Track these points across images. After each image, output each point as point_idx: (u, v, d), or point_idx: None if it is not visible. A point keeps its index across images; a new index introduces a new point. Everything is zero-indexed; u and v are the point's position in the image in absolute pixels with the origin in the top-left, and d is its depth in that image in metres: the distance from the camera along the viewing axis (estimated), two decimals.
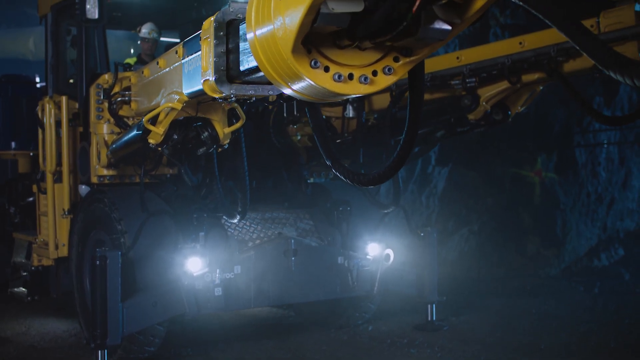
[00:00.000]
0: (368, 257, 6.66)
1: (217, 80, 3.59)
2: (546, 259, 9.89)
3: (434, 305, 7.12)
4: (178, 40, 9.43)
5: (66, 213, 6.99)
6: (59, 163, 7.06)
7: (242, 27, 3.46)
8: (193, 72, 4.16)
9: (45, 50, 7.92)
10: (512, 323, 7.27)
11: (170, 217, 6.07)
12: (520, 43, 5.51)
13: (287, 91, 2.55)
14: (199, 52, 3.92)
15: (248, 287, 6.11)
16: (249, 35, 2.50)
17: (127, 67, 6.71)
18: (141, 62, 8.19)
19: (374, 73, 2.43)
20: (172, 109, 4.48)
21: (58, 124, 7.09)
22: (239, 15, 3.62)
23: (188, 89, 4.29)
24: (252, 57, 3.29)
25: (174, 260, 5.87)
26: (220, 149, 5.06)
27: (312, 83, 2.35)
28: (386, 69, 2.44)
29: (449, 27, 2.28)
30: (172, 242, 6.01)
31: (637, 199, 10.32)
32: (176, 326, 7.00)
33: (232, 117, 4.92)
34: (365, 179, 2.83)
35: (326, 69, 2.36)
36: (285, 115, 6.85)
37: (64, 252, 7.06)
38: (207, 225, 6.03)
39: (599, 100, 9.90)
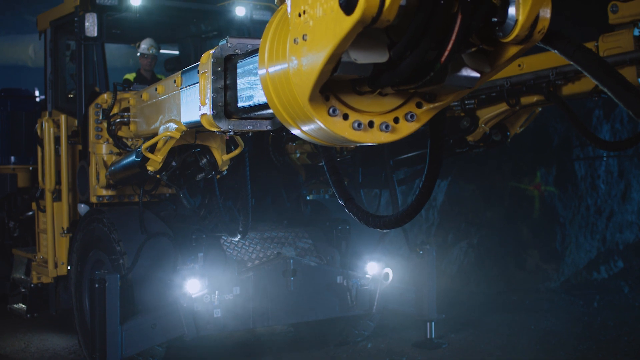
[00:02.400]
0: (367, 276, 6.66)
1: (215, 116, 3.59)
2: (545, 273, 9.89)
3: (432, 323, 7.12)
4: (177, 53, 9.45)
5: (65, 232, 7.00)
6: (58, 181, 7.06)
7: (240, 64, 3.47)
8: (191, 103, 4.17)
9: (45, 66, 7.93)
10: (512, 340, 7.27)
11: (169, 238, 6.08)
12: (519, 65, 5.51)
13: (296, 132, 2.41)
14: (197, 84, 3.92)
15: (247, 308, 6.11)
16: (261, 72, 2.37)
17: (126, 86, 6.71)
18: (140, 77, 8.20)
19: (396, 120, 2.29)
20: (171, 137, 4.49)
21: (57, 141, 7.09)
22: (236, 50, 3.63)
23: (186, 118, 4.30)
24: (250, 96, 3.32)
25: (172, 281, 5.88)
26: (219, 176, 5.06)
27: (330, 132, 2.22)
28: (408, 116, 2.30)
29: (478, 75, 2.18)
30: (171, 263, 6.02)
31: (636, 211, 10.32)
32: (176, 343, 6.99)
33: (230, 144, 4.92)
34: (381, 222, 2.69)
35: (345, 117, 2.23)
36: (284, 133, 6.85)
37: (63, 270, 7.07)
38: (206, 245, 6.03)
39: (598, 114, 9.91)
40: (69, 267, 6.99)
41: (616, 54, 4.99)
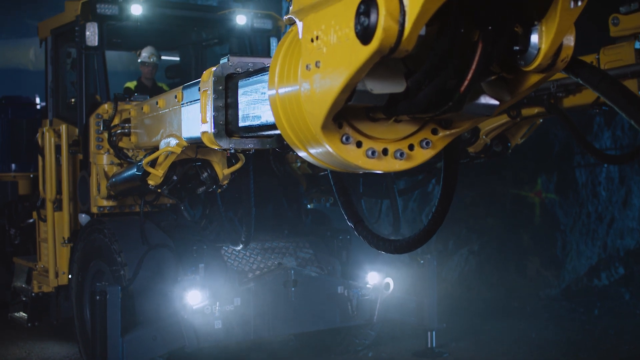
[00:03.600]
0: (368, 286, 6.66)
1: (216, 135, 3.60)
2: (546, 280, 9.89)
3: (433, 332, 7.12)
4: (178, 59, 9.45)
5: (66, 241, 7.00)
6: (59, 191, 7.06)
7: (242, 84, 3.47)
8: (192, 119, 4.17)
9: (45, 74, 7.94)
10: (512, 349, 7.27)
11: (170, 249, 6.08)
12: None
13: (303, 154, 2.31)
14: (198, 101, 3.92)
15: (248, 319, 6.11)
16: (270, 92, 2.30)
17: (127, 96, 6.71)
18: (141, 85, 8.20)
19: (411, 147, 2.20)
20: (172, 152, 4.49)
21: (58, 150, 7.09)
22: (237, 69, 3.63)
23: (187, 134, 4.30)
24: (252, 116, 3.31)
25: (173, 293, 5.88)
26: (219, 190, 5.07)
27: (343, 160, 2.13)
28: (424, 143, 2.21)
29: (497, 103, 2.10)
30: (171, 274, 6.02)
31: (637, 217, 10.31)
32: (177, 354, 6.99)
33: (231, 158, 4.93)
34: (391, 247, 2.61)
35: (358, 144, 2.14)
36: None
37: (64, 280, 7.07)
38: (207, 256, 6.04)
39: (599, 121, 9.90)
40: (70, 276, 6.99)
41: (617, 67, 4.99)
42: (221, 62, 3.68)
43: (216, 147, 3.71)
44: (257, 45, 8.14)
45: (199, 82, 3.92)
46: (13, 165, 8.96)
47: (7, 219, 8.88)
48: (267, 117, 3.07)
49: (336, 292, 6.53)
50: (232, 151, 3.62)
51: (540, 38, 1.92)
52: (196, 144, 4.27)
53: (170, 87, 8.54)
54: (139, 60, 8.21)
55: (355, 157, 2.13)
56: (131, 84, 8.21)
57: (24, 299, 7.84)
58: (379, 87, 1.95)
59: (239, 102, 3.46)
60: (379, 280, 6.68)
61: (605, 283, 10.03)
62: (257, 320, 6.14)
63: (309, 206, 7.46)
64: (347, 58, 1.84)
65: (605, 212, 10.17)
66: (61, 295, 7.25)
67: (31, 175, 8.80)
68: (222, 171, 4.88)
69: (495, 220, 10.14)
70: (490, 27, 1.83)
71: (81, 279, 6.68)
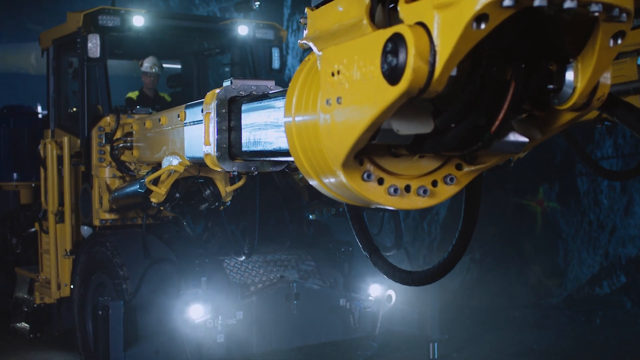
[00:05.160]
0: (370, 298, 6.66)
1: (219, 158, 3.59)
2: (548, 288, 9.88)
3: (435, 344, 7.12)
4: (179, 67, 9.45)
5: (68, 253, 7.00)
6: (61, 203, 7.07)
7: (245, 108, 3.46)
8: (195, 139, 4.16)
9: (47, 84, 7.95)
10: None
11: (172, 263, 6.08)
12: None
13: (314, 183, 2.20)
14: (201, 122, 3.92)
15: (250, 333, 6.12)
16: (286, 119, 2.21)
17: (129, 109, 6.71)
18: (143, 96, 8.20)
19: (434, 183, 2.09)
20: (175, 171, 4.49)
21: (60, 161, 7.09)
22: (240, 92, 3.62)
23: (190, 154, 4.30)
24: (255, 141, 3.31)
25: (176, 307, 5.88)
26: (222, 207, 5.07)
27: (363, 197, 2.02)
28: (448, 179, 2.09)
29: (526, 140, 1.97)
30: (174, 288, 6.02)
31: (639, 225, 10.31)
32: None
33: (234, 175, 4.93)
34: (409, 279, 2.50)
35: (380, 181, 2.02)
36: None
37: (66, 292, 7.08)
38: (209, 270, 6.04)
39: (601, 129, 9.89)
40: (72, 286, 7.00)
41: (620, 83, 4.98)
42: (224, 84, 3.68)
43: (219, 169, 3.71)
44: (259, 55, 8.13)
45: (201, 102, 3.91)
46: (15, 175, 8.97)
47: (8, 228, 8.89)
48: (272, 143, 3.06)
49: (338, 304, 6.53)
50: (235, 174, 3.62)
51: (576, 76, 1.82)
52: (199, 163, 4.27)
53: (172, 97, 8.56)
54: (141, 70, 8.20)
55: (377, 195, 2.02)
56: (133, 94, 8.20)
57: (25, 309, 7.85)
58: (405, 128, 1.84)
59: (242, 126, 3.46)
60: (381, 293, 6.68)
61: (606, 291, 10.03)
62: (260, 334, 6.14)
63: (310, 217, 7.46)
64: (372, 97, 1.74)
65: (607, 220, 10.17)
66: (63, 306, 7.26)
67: (33, 185, 8.81)
68: (225, 188, 4.88)
69: (496, 228, 10.15)
70: (523, 65, 1.74)
71: (83, 291, 6.69)
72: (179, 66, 9.50)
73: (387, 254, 6.46)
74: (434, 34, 1.60)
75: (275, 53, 7.96)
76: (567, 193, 10.08)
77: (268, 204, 7.14)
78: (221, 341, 5.94)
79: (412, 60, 1.59)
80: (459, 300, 9.81)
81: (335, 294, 6.55)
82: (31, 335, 7.57)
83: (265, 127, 3.16)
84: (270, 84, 3.72)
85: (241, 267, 6.39)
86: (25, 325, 7.80)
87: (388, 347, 7.65)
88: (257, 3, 7.81)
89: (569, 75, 1.82)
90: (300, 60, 12.45)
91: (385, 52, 1.67)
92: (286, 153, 2.84)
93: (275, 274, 6.50)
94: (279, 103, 2.97)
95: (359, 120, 1.79)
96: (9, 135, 9.09)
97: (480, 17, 1.52)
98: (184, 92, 8.94)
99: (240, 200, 5.68)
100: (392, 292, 6.70)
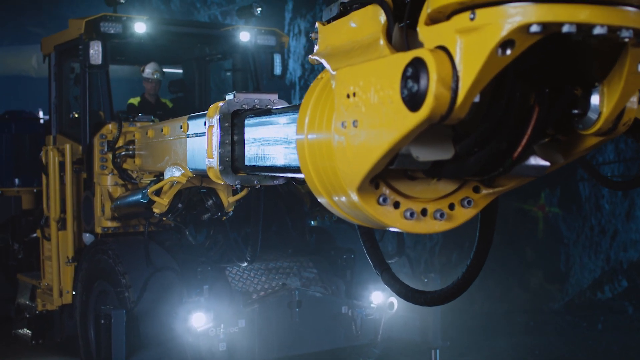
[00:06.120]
0: (372, 305, 6.65)
1: (222, 171, 3.60)
2: (549, 293, 9.88)
3: (437, 351, 7.11)
4: (180, 71, 9.45)
5: (70, 261, 7.00)
6: (63, 210, 7.06)
7: (249, 122, 3.47)
8: (198, 151, 4.17)
9: (49, 89, 7.94)
10: None
11: (174, 271, 6.08)
12: None
13: (323, 201, 2.13)
14: (204, 134, 3.92)
15: (252, 341, 6.10)
16: (299, 137, 2.16)
17: (131, 116, 6.70)
18: (145, 101, 8.20)
19: (451, 206, 2.03)
20: (177, 182, 4.49)
21: (62, 168, 7.09)
22: (243, 106, 3.63)
23: (193, 165, 4.30)
24: (259, 156, 3.31)
25: (178, 315, 5.87)
26: (224, 217, 5.06)
27: (378, 222, 1.96)
28: (465, 202, 2.04)
29: (547, 164, 1.92)
30: (176, 296, 6.01)
31: None
32: None
33: None
34: (422, 299, 2.43)
35: (396, 205, 1.96)
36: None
37: (68, 299, 7.08)
38: (211, 277, 6.03)
39: None
40: (74, 292, 7.00)
41: None
42: (227, 97, 3.68)
43: (222, 182, 3.71)
44: (261, 61, 8.13)
45: (204, 115, 3.91)
46: (16, 180, 8.96)
47: (10, 234, 8.89)
48: (276, 159, 3.06)
49: (340, 312, 6.52)
50: (238, 187, 3.62)
51: (601, 101, 1.76)
52: (201, 175, 4.27)
53: (173, 102, 8.55)
54: (143, 77, 8.20)
55: (393, 220, 1.96)
56: (135, 100, 8.20)
57: (27, 315, 7.85)
58: (425, 154, 1.78)
59: (245, 140, 3.47)
60: (383, 300, 6.66)
61: (608, 296, 10.02)
62: (262, 342, 6.13)
63: (312, 223, 7.45)
64: (391, 123, 1.67)
65: (609, 225, 10.16)
66: (65, 313, 7.26)
67: (34, 190, 8.80)
68: (227, 199, 4.88)
69: (498, 234, 10.11)
70: (547, 90, 1.69)
71: (85, 298, 6.69)
72: (180, 71, 9.49)
73: (390, 261, 6.45)
74: (457, 59, 1.54)
75: (277, 59, 7.95)
76: (568, 198, 10.07)
77: (270, 211, 7.12)
78: (223, 349, 5.93)
79: (434, 87, 1.53)
80: (460, 305, 9.79)
81: (337, 302, 6.54)
82: (33, 342, 7.57)
83: (270, 143, 3.14)
84: (273, 97, 3.72)
85: (243, 275, 6.38)
86: (27, 331, 7.80)
87: (390, 355, 7.64)
88: (259, 9, 7.82)
89: (595, 100, 1.77)
90: (302, 65, 12.45)
91: (405, 77, 1.61)
92: (293, 170, 2.84)
93: (277, 281, 6.49)
94: (284, 119, 2.96)
95: (376, 145, 1.73)
96: (11, 141, 9.09)
97: (506, 43, 1.47)
98: (185, 97, 8.94)
99: (242, 207, 5.68)
100: (394, 300, 6.69)
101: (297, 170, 2.78)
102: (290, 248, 6.99)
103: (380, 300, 6.66)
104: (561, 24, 1.44)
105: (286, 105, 3.75)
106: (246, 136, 3.47)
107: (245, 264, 5.94)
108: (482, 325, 8.98)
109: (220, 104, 3.65)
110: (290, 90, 12.99)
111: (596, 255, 10.07)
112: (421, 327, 7.03)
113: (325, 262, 6.85)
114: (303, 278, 6.65)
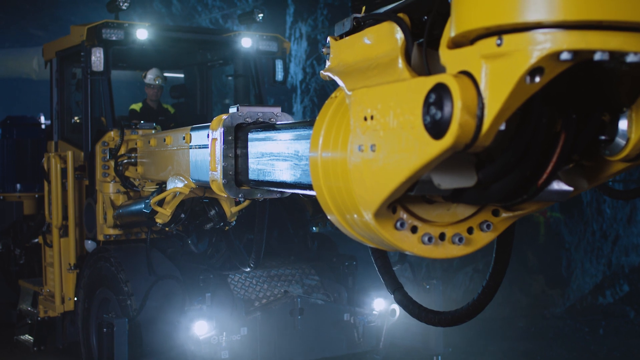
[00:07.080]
0: (374, 312, 6.65)
1: (225, 185, 3.60)
2: (551, 298, 9.88)
3: (439, 357, 7.11)
4: (182, 77, 9.45)
5: (72, 267, 7.00)
6: (65, 217, 7.07)
7: (252, 136, 3.46)
8: (200, 163, 4.17)
9: (50, 95, 7.95)
10: None
11: (176, 280, 6.08)
12: None
13: (334, 219, 2.08)
14: (207, 146, 3.92)
15: (254, 348, 6.11)
16: (312, 154, 2.11)
17: (133, 124, 6.71)
18: (146, 107, 8.21)
19: (470, 230, 1.96)
20: (180, 192, 4.49)
21: (63, 175, 7.09)
22: (247, 119, 3.63)
23: (195, 177, 4.30)
24: (263, 171, 3.30)
25: (180, 323, 5.88)
26: (227, 227, 5.07)
27: (395, 247, 1.91)
28: (484, 225, 1.97)
29: (571, 189, 1.86)
30: (178, 304, 6.01)
31: None
32: None
33: None
34: (435, 319, 2.38)
35: (413, 230, 1.90)
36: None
37: (70, 306, 7.08)
38: (214, 285, 6.04)
39: None
40: (76, 299, 7.00)
41: None
42: (230, 111, 3.68)
43: (225, 195, 3.72)
44: (263, 66, 8.13)
45: (207, 126, 3.92)
46: (18, 186, 8.97)
47: (12, 239, 8.90)
48: (280, 175, 3.05)
49: (342, 319, 6.53)
50: (242, 200, 3.62)
51: (629, 127, 1.70)
52: (204, 186, 4.27)
53: (175, 108, 8.56)
54: (144, 82, 8.21)
55: (410, 245, 1.90)
56: (136, 106, 8.21)
57: (29, 321, 7.85)
58: (447, 182, 1.72)
59: (249, 154, 3.46)
60: (385, 307, 6.66)
61: (609, 301, 10.02)
62: (264, 350, 6.14)
63: (314, 229, 7.45)
64: (412, 149, 1.62)
65: (610, 229, 10.16)
66: (67, 320, 7.26)
67: (36, 196, 8.81)
68: (230, 209, 4.88)
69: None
70: (575, 116, 1.63)
71: (87, 305, 6.69)
72: (181, 76, 9.49)
73: (392, 268, 6.44)
74: (482, 86, 1.48)
75: (279, 65, 7.95)
76: (570, 203, 10.08)
77: (272, 218, 7.13)
78: (226, 357, 5.93)
79: (459, 114, 1.47)
80: None
81: (339, 309, 6.54)
82: (35, 348, 7.57)
83: (279, 159, 3.11)
84: (277, 110, 3.73)
85: (245, 282, 6.39)
86: (29, 337, 7.81)
87: None
88: (261, 15, 7.83)
89: (623, 125, 1.71)
90: (303, 69, 12.45)
91: (427, 104, 1.56)
92: (303, 186, 2.81)
93: (279, 288, 6.49)
94: (291, 135, 2.93)
95: (396, 172, 1.67)
96: (13, 146, 9.09)
97: (534, 71, 1.41)
98: (187, 102, 8.94)
99: (244, 215, 5.68)
100: (396, 306, 6.69)
101: (306, 187, 2.75)
102: (292, 255, 6.99)
103: (382, 307, 6.67)
104: (593, 52, 1.39)
105: (289, 118, 3.76)
106: (250, 150, 3.47)
107: (248, 269, 5.94)
108: (484, 330, 8.98)
109: (224, 117, 3.65)
110: (291, 94, 12.99)
111: (597, 260, 10.07)
112: (423, 333, 7.03)
113: (327, 269, 6.85)
114: (305, 285, 6.65)
